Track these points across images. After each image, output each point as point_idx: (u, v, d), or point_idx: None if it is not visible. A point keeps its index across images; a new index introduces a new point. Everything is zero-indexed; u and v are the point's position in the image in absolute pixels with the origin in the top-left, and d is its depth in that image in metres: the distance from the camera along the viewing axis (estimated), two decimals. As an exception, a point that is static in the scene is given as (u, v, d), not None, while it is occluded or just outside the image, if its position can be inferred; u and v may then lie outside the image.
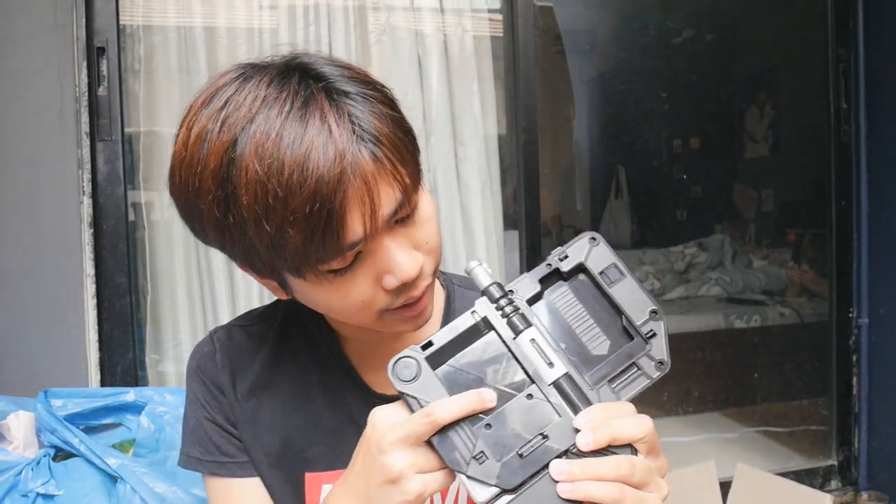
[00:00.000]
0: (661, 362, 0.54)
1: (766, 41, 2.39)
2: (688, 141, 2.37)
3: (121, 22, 1.74)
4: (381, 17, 1.94)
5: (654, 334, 0.54)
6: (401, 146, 0.58)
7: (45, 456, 1.27)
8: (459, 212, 1.97)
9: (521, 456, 0.50)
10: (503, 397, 0.52)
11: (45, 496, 1.22)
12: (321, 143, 0.53)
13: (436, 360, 0.53)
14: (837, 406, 2.38)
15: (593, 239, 0.57)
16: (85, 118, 1.67)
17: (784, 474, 2.10)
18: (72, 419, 1.34)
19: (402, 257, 0.59)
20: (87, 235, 1.67)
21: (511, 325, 0.54)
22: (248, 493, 0.74)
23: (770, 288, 2.69)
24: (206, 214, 0.57)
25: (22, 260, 1.64)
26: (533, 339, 0.53)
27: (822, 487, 2.28)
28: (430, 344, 0.53)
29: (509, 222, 2.06)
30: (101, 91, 1.70)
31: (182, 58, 1.82)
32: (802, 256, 2.53)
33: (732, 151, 2.44)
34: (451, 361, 0.54)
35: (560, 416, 0.51)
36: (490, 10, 2.05)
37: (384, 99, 0.60)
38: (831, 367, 2.39)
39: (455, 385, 0.53)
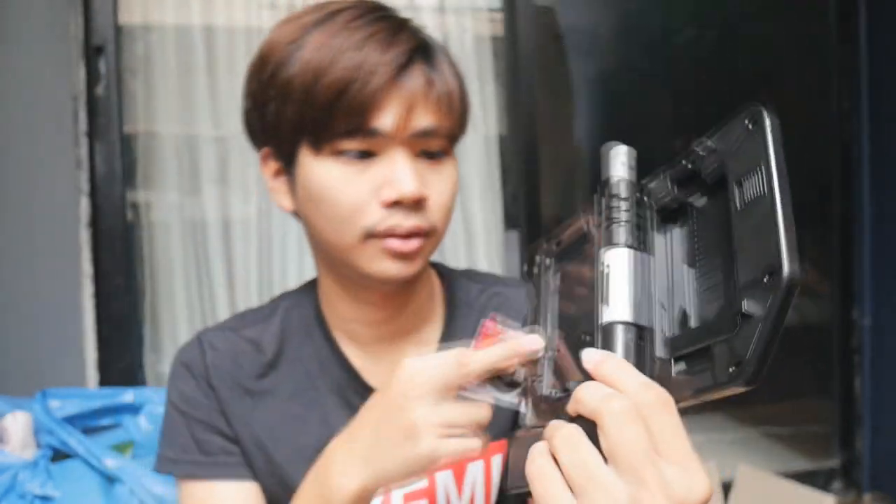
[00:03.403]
0: (736, 364, 0.31)
1: (767, 40, 2.39)
2: (689, 141, 2.37)
3: (119, 21, 1.74)
4: (381, 16, 1.93)
5: (749, 315, 0.31)
6: (456, 104, 0.64)
7: (42, 457, 1.27)
8: (460, 212, 1.97)
9: (547, 399, 0.41)
10: (577, 326, 0.40)
11: (43, 498, 1.21)
12: (393, 36, 0.61)
13: (561, 264, 0.46)
14: (840, 407, 2.37)
15: (753, 120, 0.34)
16: (83, 117, 1.66)
17: (786, 475, 2.08)
18: (70, 420, 1.33)
19: (409, 175, 0.60)
20: (85, 235, 1.67)
21: (605, 236, 0.38)
22: (231, 496, 0.68)
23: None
24: (262, 80, 0.63)
25: (20, 260, 1.63)
26: (608, 266, 0.37)
27: (824, 489, 2.27)
28: (559, 242, 0.47)
29: (510, 223, 2.05)
30: (100, 90, 1.69)
31: (180, 57, 1.82)
32: (804, 256, 2.52)
33: (734, 151, 2.43)
34: (563, 255, 0.46)
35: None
36: (490, 10, 2.04)
37: (455, 65, 0.67)
38: (834, 367, 2.38)
39: (561, 298, 0.45)
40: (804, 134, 2.44)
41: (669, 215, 0.39)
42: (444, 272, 0.78)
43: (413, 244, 0.62)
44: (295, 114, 0.61)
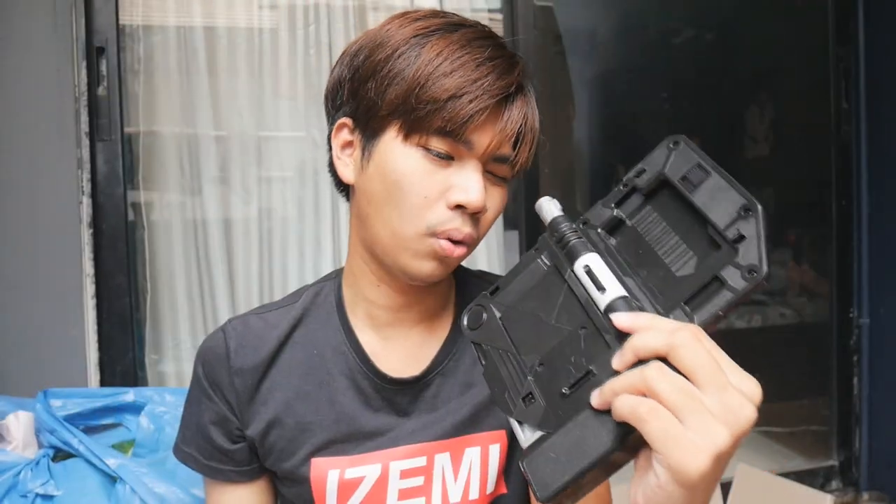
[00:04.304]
0: (751, 270, 0.41)
1: (766, 41, 2.39)
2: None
3: (120, 22, 1.74)
4: (381, 17, 1.94)
5: (742, 237, 0.42)
6: (535, 143, 0.70)
7: (44, 456, 1.27)
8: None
9: (563, 395, 0.44)
10: (557, 334, 0.47)
11: (45, 497, 1.22)
12: (510, 67, 0.66)
13: (502, 302, 0.52)
14: (838, 406, 2.38)
15: (674, 143, 0.48)
16: (84, 118, 1.67)
17: (785, 475, 2.09)
18: (71, 419, 1.33)
19: (478, 186, 0.66)
20: (86, 235, 1.67)
21: (569, 254, 0.48)
22: (246, 498, 0.76)
23: (770, 288, 2.69)
24: (374, 58, 0.67)
25: (21, 260, 1.64)
26: (587, 266, 0.46)
27: (822, 488, 2.28)
28: (497, 288, 0.53)
29: (509, 222, 2.06)
30: (101, 91, 1.70)
31: (182, 58, 1.82)
32: (803, 256, 2.53)
33: (733, 151, 2.43)
34: (514, 302, 0.51)
35: (611, 347, 0.43)
36: (490, 10, 2.05)
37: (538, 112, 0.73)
38: (832, 367, 2.38)
39: (514, 328, 0.50)
40: (803, 134, 2.45)
41: (610, 231, 0.50)
42: (458, 271, 0.82)
43: (460, 251, 0.67)
44: (399, 97, 0.65)
